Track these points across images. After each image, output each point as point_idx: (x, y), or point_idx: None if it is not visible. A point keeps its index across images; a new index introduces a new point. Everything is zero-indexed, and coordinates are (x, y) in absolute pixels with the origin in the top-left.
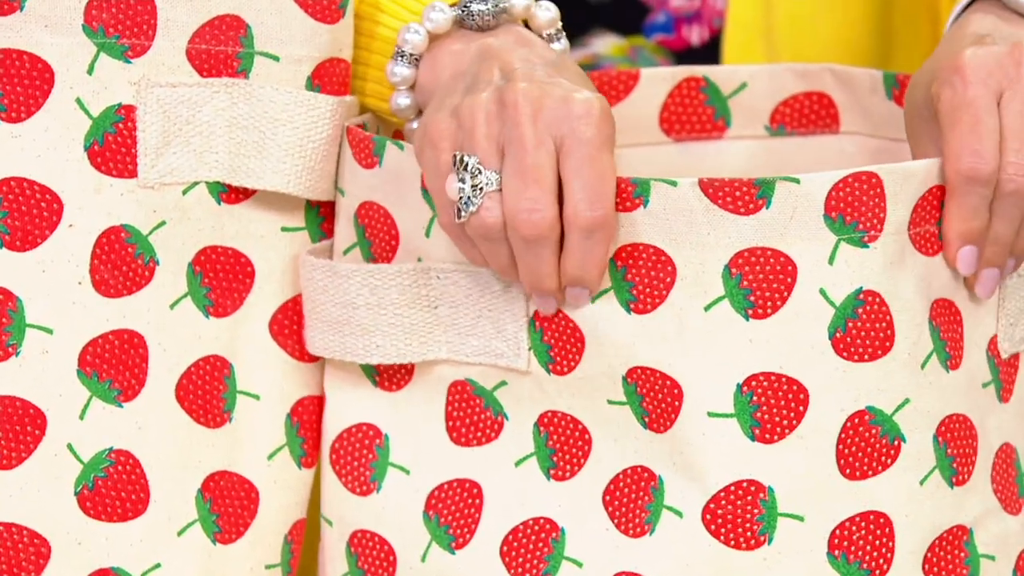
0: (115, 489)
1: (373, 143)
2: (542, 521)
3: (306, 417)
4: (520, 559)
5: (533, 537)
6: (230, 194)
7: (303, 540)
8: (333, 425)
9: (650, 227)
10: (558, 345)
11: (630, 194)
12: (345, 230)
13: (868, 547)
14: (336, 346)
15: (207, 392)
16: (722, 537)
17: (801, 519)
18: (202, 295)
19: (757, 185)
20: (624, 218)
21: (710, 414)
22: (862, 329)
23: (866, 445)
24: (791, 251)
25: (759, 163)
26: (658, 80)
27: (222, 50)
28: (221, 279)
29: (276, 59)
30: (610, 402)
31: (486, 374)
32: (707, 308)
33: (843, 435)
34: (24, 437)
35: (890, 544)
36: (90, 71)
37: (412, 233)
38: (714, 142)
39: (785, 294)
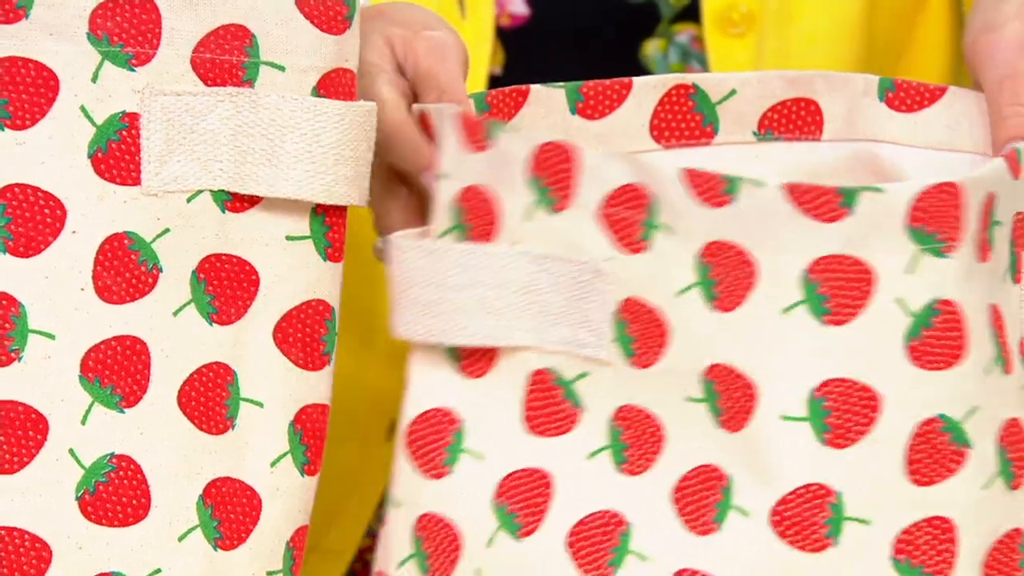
0: (116, 494)
1: (486, 127)
2: (610, 514)
3: (309, 425)
4: (586, 550)
5: (600, 529)
6: (235, 202)
7: (305, 547)
8: (411, 409)
9: (736, 226)
10: (642, 337)
11: (720, 189)
12: (443, 215)
13: (932, 551)
14: (423, 328)
15: (210, 399)
16: (788, 538)
17: (867, 523)
18: (206, 302)
19: (841, 193)
20: (714, 214)
21: (783, 417)
22: (937, 338)
23: (935, 452)
24: (871, 260)
25: (746, 170)
26: (649, 88)
27: (227, 59)
28: (225, 287)
29: (282, 69)
30: (688, 399)
31: (568, 364)
32: (784, 311)
33: (913, 442)
34: (26, 442)
35: (952, 548)
36: (94, 79)
37: (513, 218)
38: (703, 148)
39: (862, 302)
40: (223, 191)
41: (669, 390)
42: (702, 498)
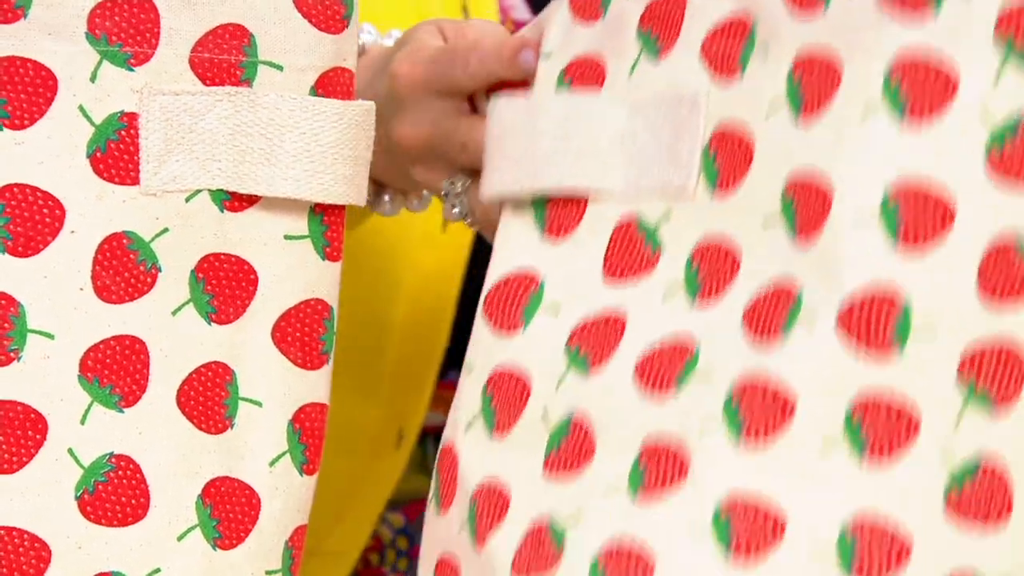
0: (115, 494)
1: None
2: (679, 343)
3: (308, 424)
4: (652, 377)
5: (668, 358)
6: (233, 202)
7: (304, 546)
8: (492, 277)
9: (826, 32)
10: (728, 165)
11: None
12: (547, 87)
13: (998, 378)
14: (513, 179)
15: (209, 398)
16: (853, 345)
17: (934, 335)
18: (205, 302)
19: None
20: (807, 25)
21: (855, 222)
22: (1018, 152)
23: (1008, 273)
24: (954, 66)
25: None
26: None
27: (225, 59)
28: (224, 286)
29: (280, 68)
30: (766, 221)
31: (653, 208)
32: (863, 114)
33: (987, 259)
34: (25, 441)
35: (1019, 378)
36: (93, 79)
37: (616, 75)
38: None
39: (942, 109)
40: (222, 190)
41: (748, 215)
42: (772, 315)
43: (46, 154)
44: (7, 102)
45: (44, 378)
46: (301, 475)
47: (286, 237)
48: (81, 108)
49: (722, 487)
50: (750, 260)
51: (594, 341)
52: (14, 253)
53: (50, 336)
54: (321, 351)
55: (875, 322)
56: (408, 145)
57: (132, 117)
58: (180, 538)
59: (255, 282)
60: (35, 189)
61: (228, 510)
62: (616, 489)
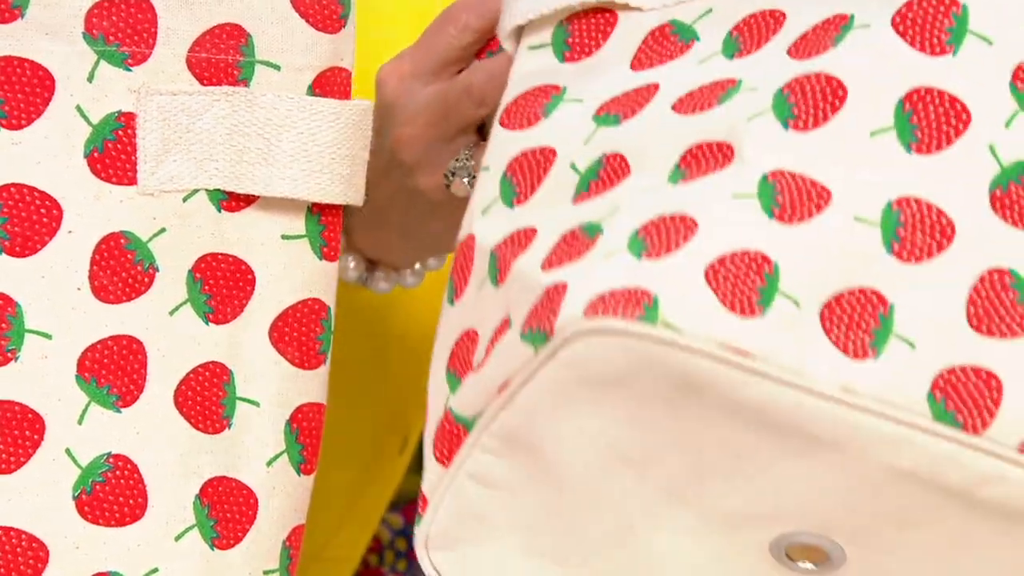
0: (113, 494)
1: None
2: (719, 82)
3: (305, 424)
4: (693, 105)
5: (708, 91)
6: (230, 202)
7: (301, 546)
8: (508, 97)
9: None
10: None
11: None
12: None
13: None
14: (537, 3)
15: (206, 398)
16: (907, 41)
17: (989, 42)
18: (202, 302)
19: None
20: None
21: None
22: None
23: None
24: None
25: None
26: None
27: (222, 59)
28: (221, 286)
29: (277, 68)
30: None
31: (692, 8)
32: None
33: None
34: (23, 442)
35: None
36: (90, 79)
37: None
38: None
39: None
40: (219, 190)
41: None
42: (820, 39)
43: (43, 154)
44: (4, 102)
45: (42, 378)
46: (299, 475)
47: (283, 237)
48: (78, 108)
49: (768, 164)
50: (795, 10)
51: (625, 104)
52: (11, 253)
53: (48, 336)
54: (319, 351)
55: (931, 20)
56: (406, 147)
57: (129, 117)
58: (178, 538)
59: (252, 282)
60: (32, 189)
61: (226, 510)
62: (656, 184)
